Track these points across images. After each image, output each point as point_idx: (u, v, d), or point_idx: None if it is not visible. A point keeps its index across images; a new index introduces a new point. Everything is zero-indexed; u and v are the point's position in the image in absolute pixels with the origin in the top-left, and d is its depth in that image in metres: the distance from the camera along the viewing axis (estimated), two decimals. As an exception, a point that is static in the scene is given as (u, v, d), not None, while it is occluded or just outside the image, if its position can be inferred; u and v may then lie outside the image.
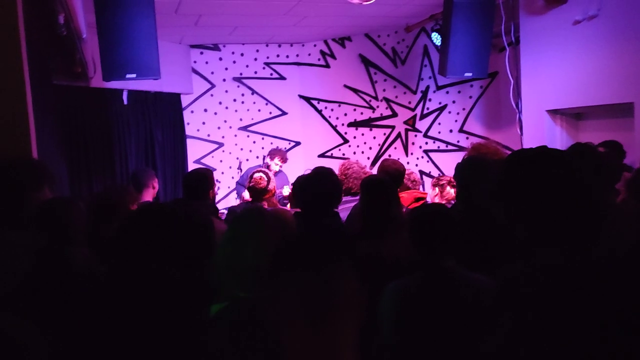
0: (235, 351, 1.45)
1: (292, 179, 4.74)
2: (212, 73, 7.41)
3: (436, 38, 6.01)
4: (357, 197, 3.69)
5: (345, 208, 3.40)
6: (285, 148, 7.58)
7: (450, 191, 4.01)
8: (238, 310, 1.53)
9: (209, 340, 1.50)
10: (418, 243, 2.10)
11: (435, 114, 7.18)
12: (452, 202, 3.88)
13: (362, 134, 7.81)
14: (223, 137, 7.54)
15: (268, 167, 5.89)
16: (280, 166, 5.97)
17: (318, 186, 2.83)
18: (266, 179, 3.85)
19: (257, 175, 3.88)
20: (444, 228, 2.07)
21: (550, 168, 1.31)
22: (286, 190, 5.28)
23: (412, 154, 7.58)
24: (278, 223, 1.83)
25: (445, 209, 2.24)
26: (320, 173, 2.96)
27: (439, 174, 7.02)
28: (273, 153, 6.03)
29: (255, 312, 1.41)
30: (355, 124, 7.77)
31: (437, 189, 4.17)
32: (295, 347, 1.25)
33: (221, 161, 7.45)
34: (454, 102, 6.95)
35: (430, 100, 7.24)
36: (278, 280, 1.29)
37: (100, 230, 2.67)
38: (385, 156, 7.66)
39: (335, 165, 3.87)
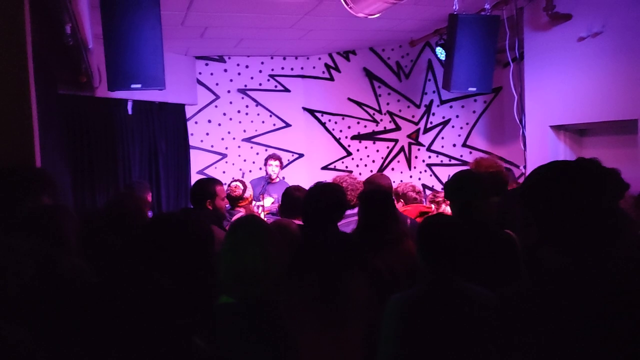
0: (242, 344, 1.45)
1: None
2: (217, 84, 7.45)
3: (440, 52, 6.03)
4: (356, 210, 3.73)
5: (346, 222, 3.39)
6: (288, 160, 7.60)
7: (447, 209, 3.99)
8: (247, 307, 1.54)
9: (215, 330, 1.50)
10: (426, 254, 2.08)
11: (439, 128, 7.18)
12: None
13: (366, 147, 7.81)
14: (226, 148, 7.56)
15: (270, 177, 5.89)
16: (279, 167, 5.97)
17: (321, 199, 2.83)
18: (242, 187, 4.22)
19: (233, 184, 4.27)
20: (454, 240, 2.05)
21: (576, 179, 1.32)
22: (268, 202, 5.30)
23: (415, 167, 7.58)
24: (278, 230, 1.85)
25: (456, 221, 2.21)
26: (324, 186, 2.97)
27: (441, 189, 7.01)
28: (266, 159, 6.08)
29: (264, 311, 1.42)
30: (358, 137, 7.78)
31: (433, 205, 4.15)
32: (306, 345, 1.26)
33: (224, 172, 7.46)
34: (457, 116, 6.95)
35: (433, 114, 7.25)
36: (291, 283, 1.31)
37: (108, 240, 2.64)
38: (389, 169, 7.66)
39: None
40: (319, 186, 2.99)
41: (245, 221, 2.00)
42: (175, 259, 1.66)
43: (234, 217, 4.08)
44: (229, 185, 4.29)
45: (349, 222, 3.41)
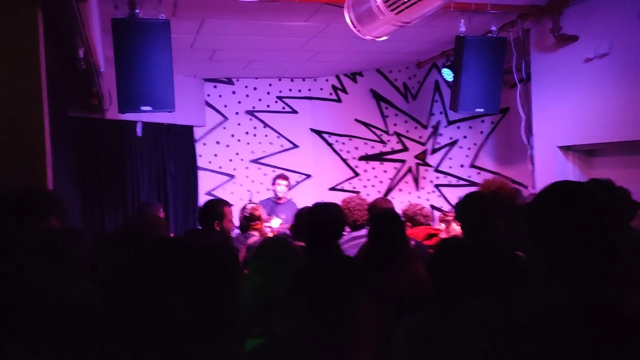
0: None
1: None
2: (225, 106, 7.51)
3: (447, 74, 6.06)
4: (364, 231, 3.72)
5: (354, 244, 3.38)
6: (296, 181, 7.61)
7: (456, 228, 3.97)
8: (273, 348, 1.51)
9: None
10: (441, 276, 2.06)
11: (447, 149, 7.18)
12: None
13: (373, 168, 7.82)
14: (234, 169, 7.59)
15: (277, 197, 5.90)
16: (287, 187, 5.96)
17: (318, 218, 2.84)
18: (260, 209, 4.30)
19: (250, 205, 4.32)
20: (469, 264, 2.03)
21: (582, 205, 1.31)
22: (275, 223, 5.30)
23: (423, 188, 7.56)
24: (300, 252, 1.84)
25: (470, 244, 2.19)
26: (322, 206, 2.98)
27: (450, 209, 6.98)
28: (274, 179, 6.09)
29: (288, 349, 1.38)
30: (366, 158, 7.80)
31: (443, 224, 4.14)
32: None
33: (232, 193, 7.47)
34: (465, 137, 6.96)
35: (441, 135, 7.26)
36: (300, 309, 1.28)
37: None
38: (396, 190, 7.66)
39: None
40: (318, 207, 3.01)
41: (273, 242, 1.96)
42: (199, 286, 1.62)
43: (250, 240, 4.01)
44: (244, 207, 4.29)
45: (357, 243, 3.40)
